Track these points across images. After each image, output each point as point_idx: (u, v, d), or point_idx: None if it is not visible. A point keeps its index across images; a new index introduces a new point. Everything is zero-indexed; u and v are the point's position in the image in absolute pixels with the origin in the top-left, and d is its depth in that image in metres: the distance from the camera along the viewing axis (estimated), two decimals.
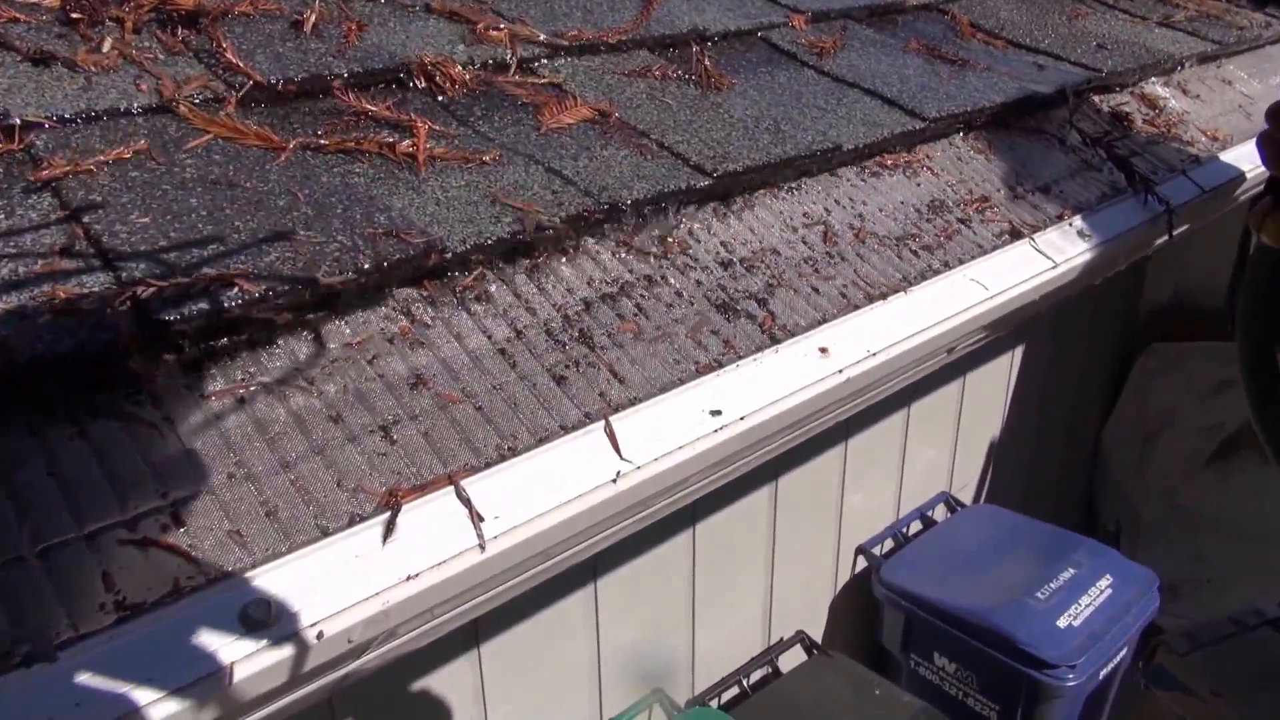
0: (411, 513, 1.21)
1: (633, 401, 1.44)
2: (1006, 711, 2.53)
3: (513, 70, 2.05)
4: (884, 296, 1.79)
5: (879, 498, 2.88)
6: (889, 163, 2.13)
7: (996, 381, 3.19)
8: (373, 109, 1.79)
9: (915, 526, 3.00)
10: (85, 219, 1.36)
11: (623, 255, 1.66)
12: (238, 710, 1.07)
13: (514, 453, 1.31)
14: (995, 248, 2.02)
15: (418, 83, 1.93)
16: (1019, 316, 2.06)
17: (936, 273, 1.89)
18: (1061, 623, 2.48)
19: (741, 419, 1.47)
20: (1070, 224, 2.20)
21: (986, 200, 2.15)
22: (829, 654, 2.60)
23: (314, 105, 1.79)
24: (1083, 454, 4.00)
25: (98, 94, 1.64)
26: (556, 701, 2.15)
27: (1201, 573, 3.65)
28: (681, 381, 1.49)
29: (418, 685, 1.84)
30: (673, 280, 1.66)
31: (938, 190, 2.13)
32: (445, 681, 1.88)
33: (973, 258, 1.96)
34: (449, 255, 1.47)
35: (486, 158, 1.73)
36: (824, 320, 1.69)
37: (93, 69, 1.70)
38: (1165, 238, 2.43)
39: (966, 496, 3.30)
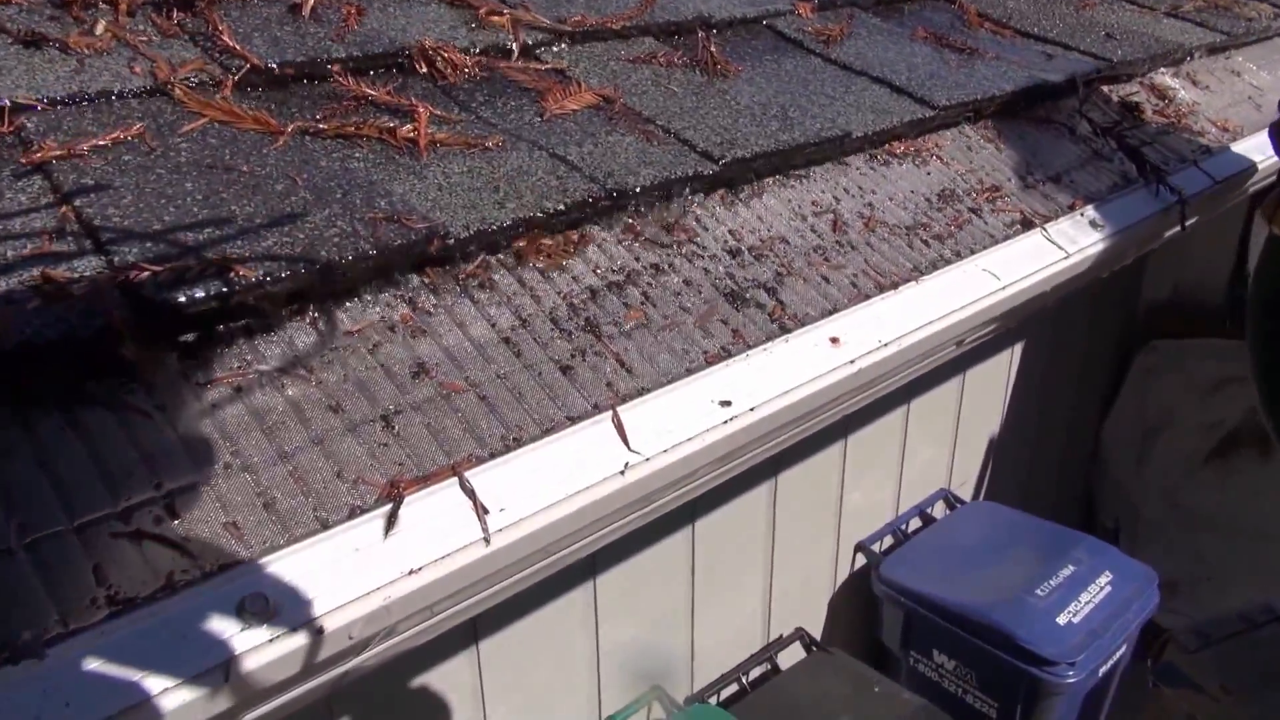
0: (414, 505, 1.18)
1: (640, 392, 1.40)
2: (1006, 708, 2.52)
3: (515, 56, 2.02)
4: (895, 286, 1.76)
5: (878, 494, 2.87)
6: (898, 151, 2.10)
7: (996, 378, 3.18)
8: (372, 93, 1.75)
9: (915, 523, 3.01)
10: (77, 202, 1.33)
11: (629, 243, 1.63)
12: (234, 709, 1.04)
13: (519, 444, 1.28)
14: (1007, 237, 1.99)
15: (418, 67, 1.89)
16: (1029, 308, 2.04)
17: (948, 262, 1.86)
18: (1061, 620, 2.47)
19: (752, 410, 1.44)
20: (1082, 214, 2.18)
21: (997, 189, 2.12)
22: (828, 651, 2.59)
23: (312, 89, 1.76)
24: (1082, 451, 3.99)
25: (90, 76, 1.60)
26: (555, 699, 2.12)
27: (1200, 570, 3.64)
28: (690, 371, 1.46)
29: (416, 683, 1.81)
30: (680, 268, 1.62)
31: (947, 179, 2.10)
32: (444, 679, 1.85)
33: (984, 247, 1.93)
34: (451, 241, 1.44)
35: (489, 143, 1.69)
36: (835, 310, 1.66)
37: (85, 51, 1.66)
38: (1177, 228, 2.41)
39: (966, 493, 3.30)
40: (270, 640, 1.02)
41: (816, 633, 2.80)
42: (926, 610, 2.57)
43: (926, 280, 1.80)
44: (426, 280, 1.43)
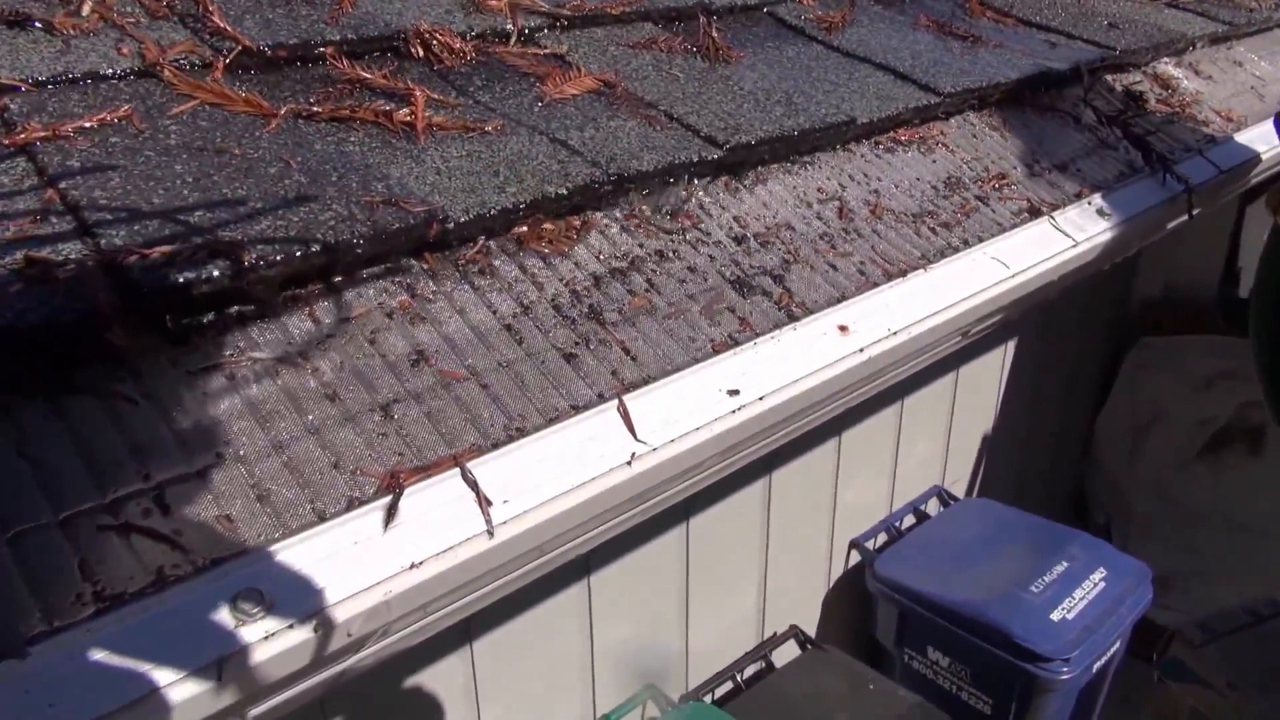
0: (414, 496, 1.13)
1: (646, 380, 1.36)
2: (1000, 705, 2.52)
3: (513, 40, 1.97)
4: (903, 274, 1.72)
5: (872, 491, 2.86)
6: (903, 138, 2.07)
7: (989, 375, 3.18)
8: (368, 77, 1.71)
9: (908, 520, 3.01)
10: (62, 185, 1.27)
11: (632, 228, 1.59)
12: (228, 709, 0.99)
13: (523, 433, 1.23)
14: (1015, 226, 1.96)
15: (414, 51, 1.84)
16: (1036, 297, 2.01)
17: (956, 250, 1.83)
18: (1055, 616, 2.48)
19: (760, 399, 1.40)
20: (1089, 202, 2.16)
21: (1004, 177, 2.09)
22: (823, 648, 2.59)
23: (306, 72, 1.71)
24: (1074, 448, 3.99)
25: (77, 57, 1.55)
26: (549, 698, 2.10)
27: (1192, 565, 3.65)
28: (697, 360, 1.42)
29: (409, 682, 1.78)
30: (685, 255, 1.58)
31: (954, 167, 2.07)
32: (437, 678, 1.82)
33: (992, 235, 1.91)
34: (451, 225, 1.39)
35: (488, 127, 1.64)
36: (843, 298, 1.62)
37: (71, 32, 1.61)
38: (1184, 217, 2.40)
39: (959, 490, 3.30)
40: (266, 637, 0.97)
41: (811, 630, 2.79)
42: (921, 607, 2.57)
43: (935, 268, 1.77)
44: (426, 266, 1.38)
